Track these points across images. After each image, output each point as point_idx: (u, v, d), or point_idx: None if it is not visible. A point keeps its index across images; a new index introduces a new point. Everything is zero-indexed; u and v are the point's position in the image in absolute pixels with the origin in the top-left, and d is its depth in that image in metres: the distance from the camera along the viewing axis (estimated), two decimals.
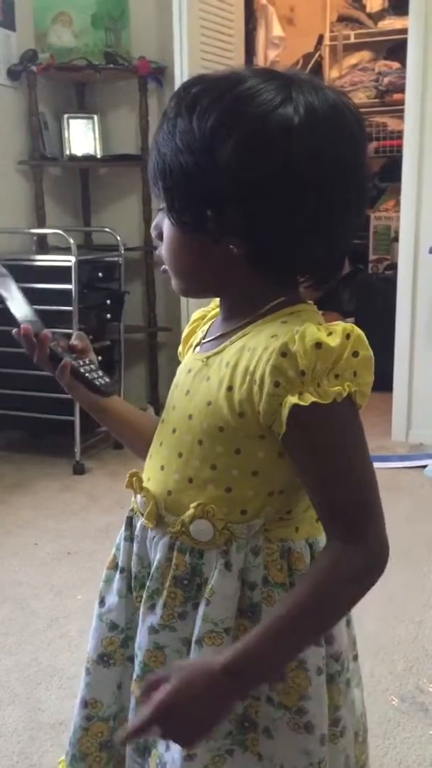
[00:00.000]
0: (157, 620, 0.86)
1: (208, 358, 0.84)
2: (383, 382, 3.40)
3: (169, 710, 0.70)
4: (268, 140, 0.72)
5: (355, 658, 0.94)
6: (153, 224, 0.86)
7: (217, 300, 0.93)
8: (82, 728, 0.96)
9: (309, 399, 0.73)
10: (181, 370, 0.90)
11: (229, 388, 0.79)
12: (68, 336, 0.94)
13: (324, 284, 0.84)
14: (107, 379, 0.92)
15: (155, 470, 0.89)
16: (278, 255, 0.78)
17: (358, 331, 0.76)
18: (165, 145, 0.77)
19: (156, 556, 0.87)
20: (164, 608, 0.85)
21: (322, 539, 0.86)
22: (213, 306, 0.95)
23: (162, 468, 0.88)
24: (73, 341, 0.93)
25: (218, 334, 0.86)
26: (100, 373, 0.91)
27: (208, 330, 0.91)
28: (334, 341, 0.73)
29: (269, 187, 0.73)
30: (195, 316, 0.97)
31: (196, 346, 0.90)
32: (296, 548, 0.84)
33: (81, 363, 0.90)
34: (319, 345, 0.73)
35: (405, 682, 1.78)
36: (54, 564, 2.40)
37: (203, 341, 0.89)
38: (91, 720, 0.95)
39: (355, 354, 0.75)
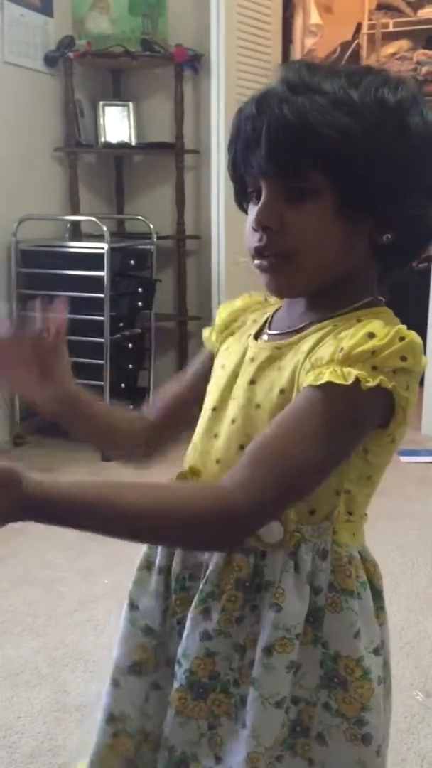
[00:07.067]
0: (213, 625, 0.81)
1: (279, 348, 0.81)
2: None
3: None
4: None
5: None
6: (266, 213, 0.76)
7: (254, 294, 0.92)
8: (106, 746, 0.90)
9: (323, 378, 0.71)
10: (235, 358, 0.86)
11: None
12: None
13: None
14: None
15: (209, 463, 0.84)
16: (419, 248, 0.81)
17: (416, 339, 0.73)
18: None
19: (212, 557, 0.82)
20: (222, 612, 0.81)
21: (368, 550, 0.85)
22: (254, 299, 0.94)
23: (218, 461, 0.83)
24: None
25: (296, 327, 0.82)
26: None
27: (270, 320, 0.87)
28: (385, 336, 0.72)
29: None
30: (237, 305, 0.94)
31: (256, 335, 0.86)
32: (356, 555, 0.82)
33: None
34: (371, 335, 0.72)
35: (430, 677, 1.77)
36: (82, 548, 2.42)
37: (269, 331, 0.85)
38: (118, 736, 0.89)
39: (403, 359, 0.72)
